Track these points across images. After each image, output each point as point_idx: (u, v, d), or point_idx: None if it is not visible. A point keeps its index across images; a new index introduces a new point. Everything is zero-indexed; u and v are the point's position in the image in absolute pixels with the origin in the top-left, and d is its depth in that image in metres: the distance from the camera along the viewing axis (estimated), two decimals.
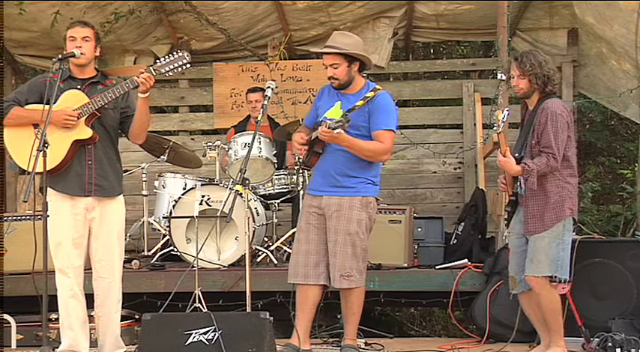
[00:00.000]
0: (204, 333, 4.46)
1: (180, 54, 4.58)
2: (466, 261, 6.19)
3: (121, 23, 7.76)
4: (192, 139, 8.72)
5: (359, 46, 4.93)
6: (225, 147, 6.56)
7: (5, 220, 6.26)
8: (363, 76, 4.98)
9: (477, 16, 8.08)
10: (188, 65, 4.58)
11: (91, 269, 4.68)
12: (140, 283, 6.05)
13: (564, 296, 5.10)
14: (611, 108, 8.13)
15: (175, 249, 6.30)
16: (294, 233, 5.79)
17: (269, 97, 5.28)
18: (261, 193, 6.78)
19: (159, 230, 6.78)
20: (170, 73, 4.58)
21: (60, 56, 4.48)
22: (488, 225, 6.84)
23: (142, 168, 6.89)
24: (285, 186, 6.77)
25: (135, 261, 6.37)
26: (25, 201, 4.60)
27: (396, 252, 6.23)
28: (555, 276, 4.71)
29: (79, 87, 4.61)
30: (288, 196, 6.82)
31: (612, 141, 9.45)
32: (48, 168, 4.28)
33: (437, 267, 6.20)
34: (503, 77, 6.38)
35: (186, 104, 8.87)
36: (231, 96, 8.50)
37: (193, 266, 5.32)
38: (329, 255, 4.87)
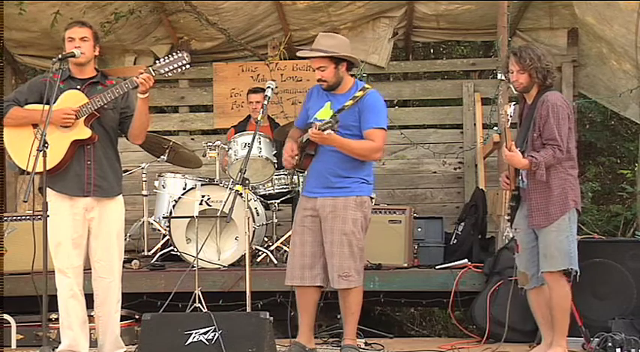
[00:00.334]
0: (204, 333, 4.47)
1: (180, 54, 4.58)
2: (466, 261, 6.18)
3: (121, 23, 7.76)
4: (192, 139, 8.71)
5: (344, 47, 4.89)
6: (225, 147, 6.56)
7: (5, 220, 6.26)
8: (352, 75, 4.97)
9: (477, 16, 8.08)
10: (188, 66, 4.58)
11: (90, 269, 4.68)
12: (140, 283, 6.04)
13: None
14: (611, 108, 8.13)
15: (175, 249, 6.30)
16: None
17: (269, 97, 5.29)
18: (261, 193, 6.78)
19: (159, 230, 6.78)
20: (170, 74, 4.57)
21: (60, 56, 4.48)
22: (489, 225, 6.84)
23: (142, 168, 6.89)
24: (285, 186, 6.77)
25: (135, 260, 6.37)
26: (25, 201, 4.59)
27: (396, 252, 6.22)
28: (571, 268, 4.70)
29: (78, 87, 4.61)
30: (288, 196, 6.82)
31: (612, 141, 9.44)
32: (46, 168, 4.28)
33: (437, 267, 6.20)
34: (503, 77, 6.37)
35: (186, 104, 8.86)
36: (231, 96, 8.49)
37: (193, 267, 5.32)
38: (326, 256, 4.85)
